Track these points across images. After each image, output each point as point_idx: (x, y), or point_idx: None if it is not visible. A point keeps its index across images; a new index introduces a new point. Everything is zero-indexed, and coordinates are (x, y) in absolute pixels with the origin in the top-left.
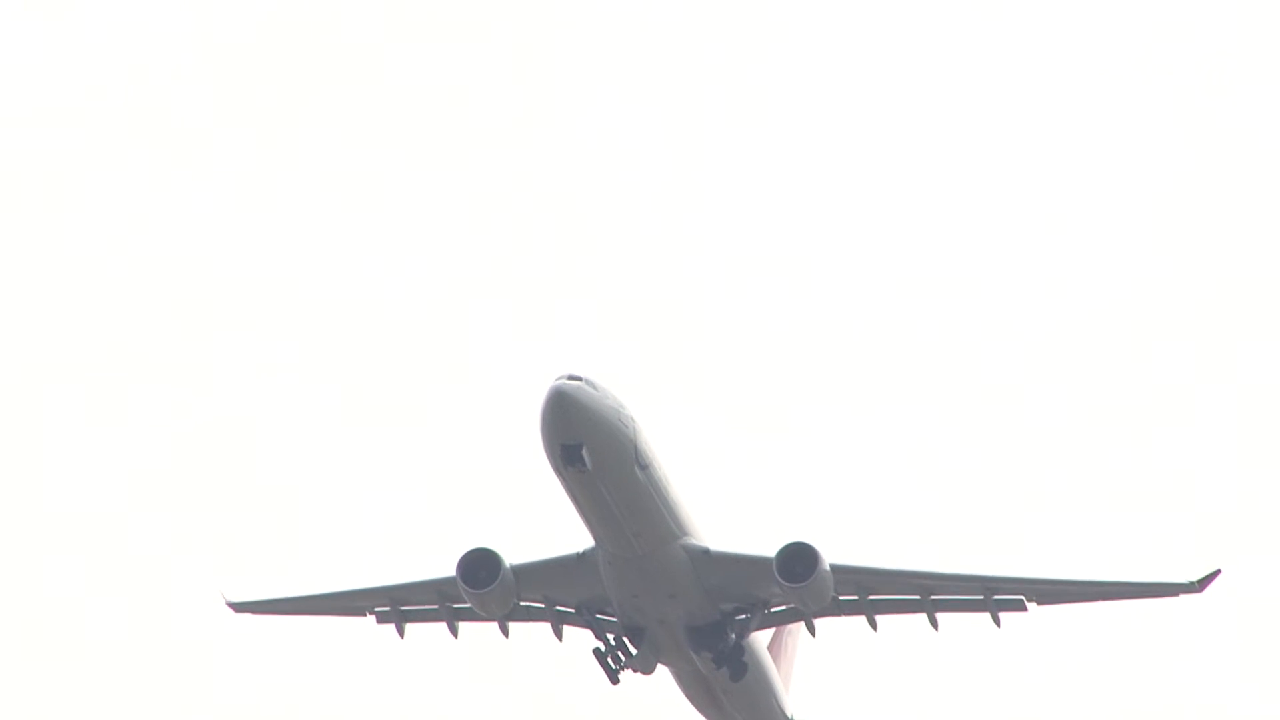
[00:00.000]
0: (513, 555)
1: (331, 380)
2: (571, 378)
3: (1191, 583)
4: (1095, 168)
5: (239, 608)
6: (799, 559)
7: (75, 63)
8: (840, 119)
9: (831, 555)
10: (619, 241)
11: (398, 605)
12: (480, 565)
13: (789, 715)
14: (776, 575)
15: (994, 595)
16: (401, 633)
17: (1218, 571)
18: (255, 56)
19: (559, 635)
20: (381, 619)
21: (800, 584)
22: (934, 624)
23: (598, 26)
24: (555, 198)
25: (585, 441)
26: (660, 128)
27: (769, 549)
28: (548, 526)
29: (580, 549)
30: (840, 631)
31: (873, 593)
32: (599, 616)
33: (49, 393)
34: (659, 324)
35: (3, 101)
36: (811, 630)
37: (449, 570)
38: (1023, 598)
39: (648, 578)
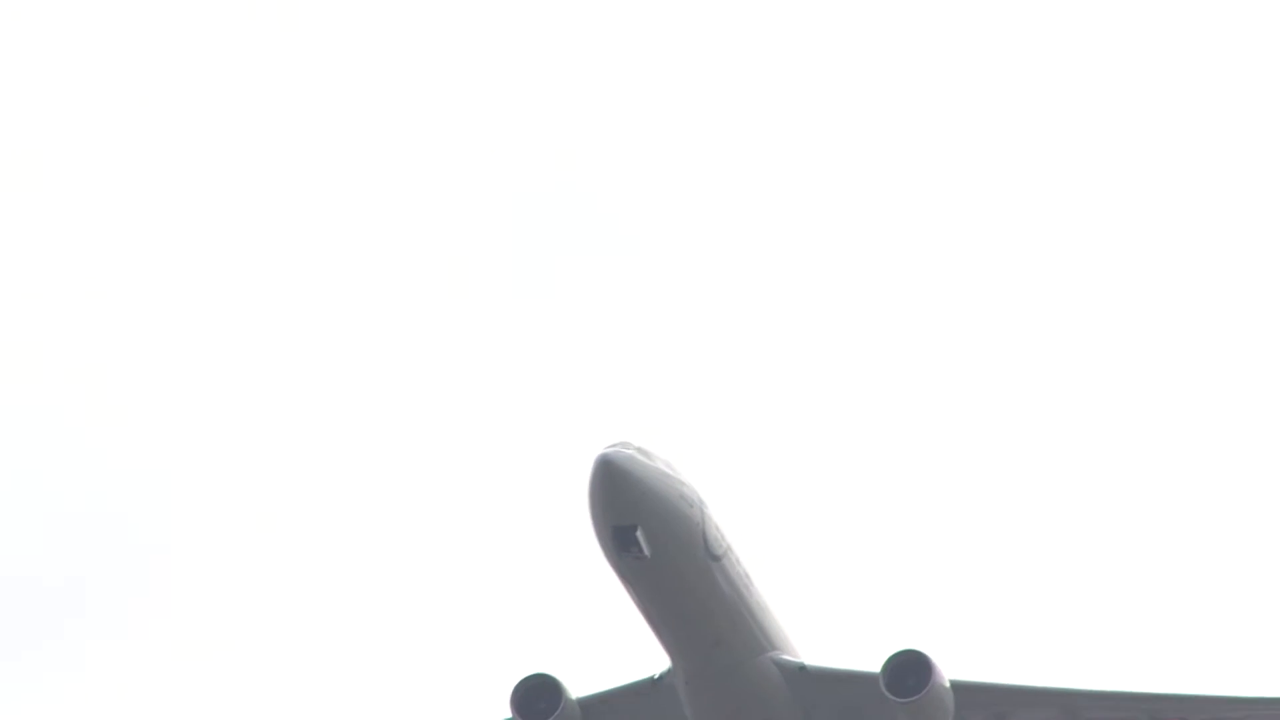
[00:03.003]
0: (575, 687)
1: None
2: (621, 445)
3: None
4: (1095, 167)
5: None
6: (910, 670)
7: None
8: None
9: (953, 669)
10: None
11: None
12: (538, 695)
13: None
14: (884, 689)
15: (1157, 718)
16: None
17: None
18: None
19: None
20: None
21: (912, 699)
22: None
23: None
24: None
25: (641, 522)
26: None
27: (877, 664)
28: (615, 648)
29: (655, 672)
30: None
31: (1008, 717)
32: None
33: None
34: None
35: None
36: None
37: (501, 710)
38: None
39: (736, 699)
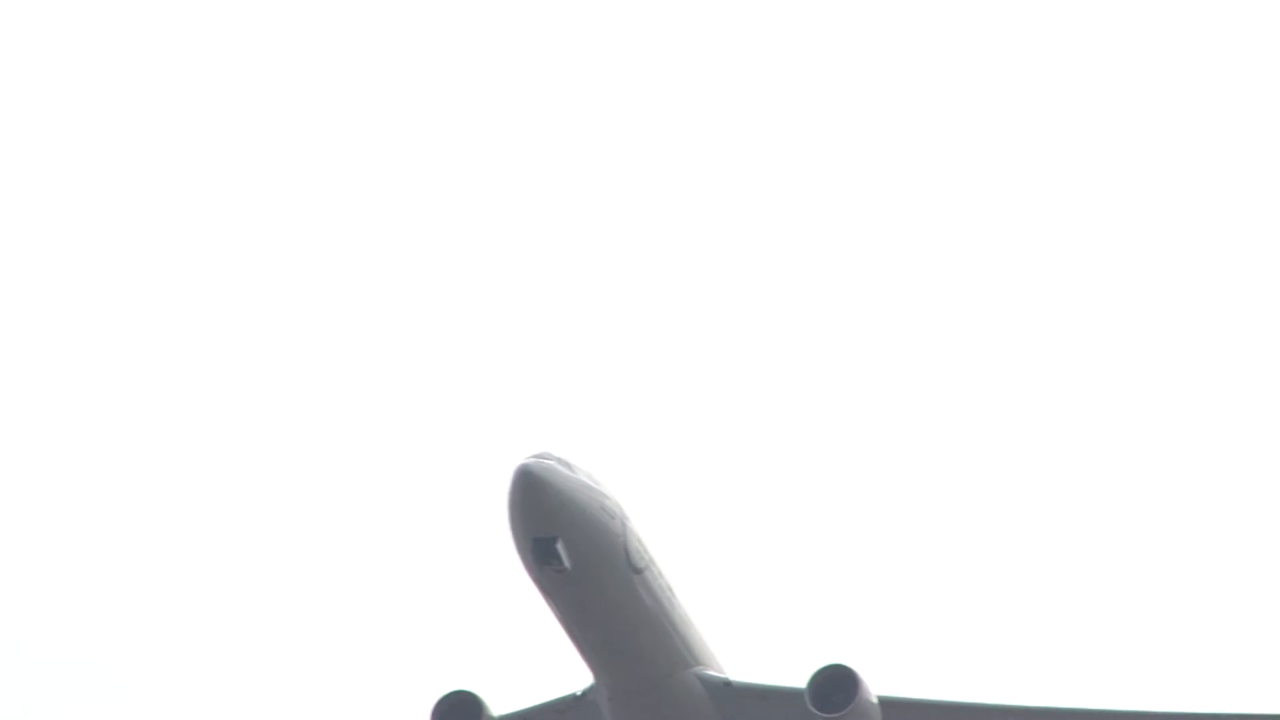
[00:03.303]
0: (497, 705)
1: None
2: (541, 455)
3: None
4: (1095, 168)
5: None
6: (837, 686)
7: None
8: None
9: (884, 686)
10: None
11: None
12: (459, 713)
13: None
14: (809, 705)
15: None
16: None
17: None
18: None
19: None
20: None
21: (837, 715)
22: None
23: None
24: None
25: (561, 534)
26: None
27: (804, 679)
28: (537, 664)
29: (578, 689)
30: None
31: None
32: None
33: None
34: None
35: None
36: None
37: None
38: None
39: (659, 715)
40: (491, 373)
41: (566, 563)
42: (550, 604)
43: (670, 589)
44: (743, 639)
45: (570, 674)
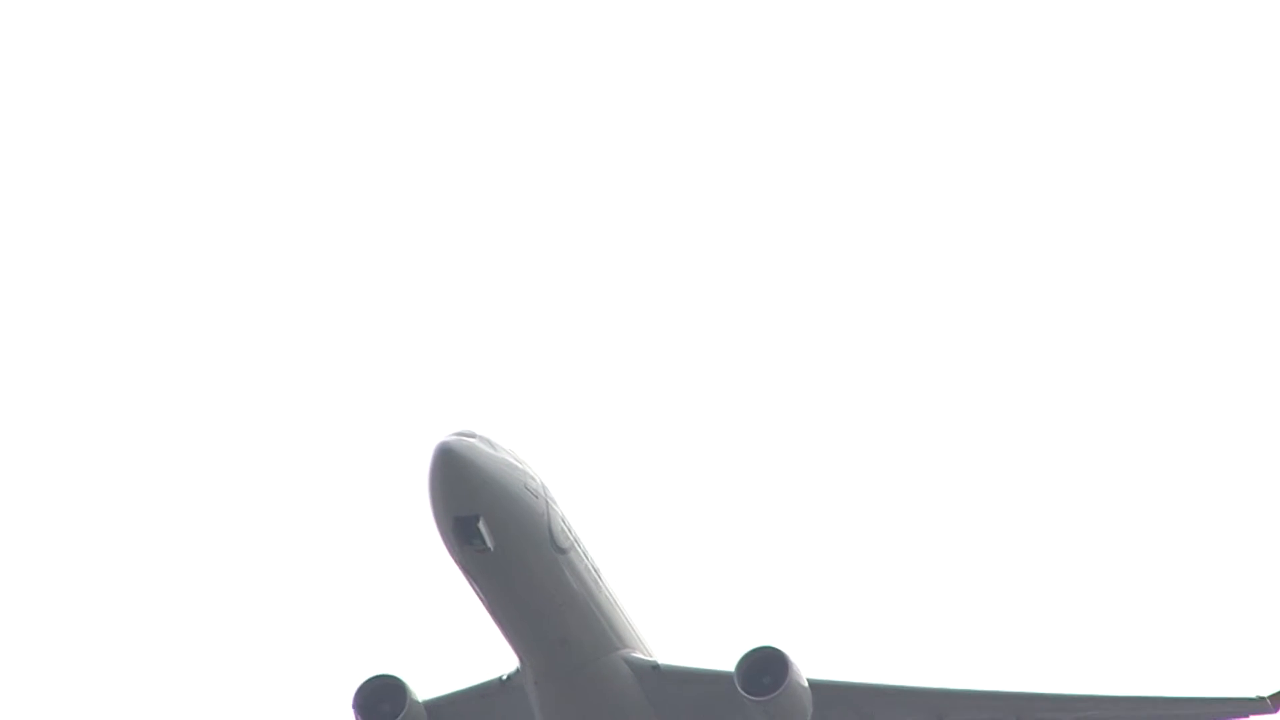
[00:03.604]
0: (421, 689)
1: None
2: (463, 434)
3: (1263, 698)
4: (1095, 168)
5: None
6: (766, 668)
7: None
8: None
9: (813, 669)
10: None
11: None
12: (381, 697)
13: None
14: (739, 688)
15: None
16: None
17: None
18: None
19: None
20: None
21: (767, 697)
22: None
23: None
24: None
25: (483, 512)
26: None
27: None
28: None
29: (503, 673)
30: None
31: (872, 718)
32: None
33: None
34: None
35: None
36: None
37: (344, 714)
38: None
39: (586, 699)
40: (423, 354)
41: (489, 542)
42: (473, 585)
43: (597, 570)
44: (670, 623)
45: (495, 658)
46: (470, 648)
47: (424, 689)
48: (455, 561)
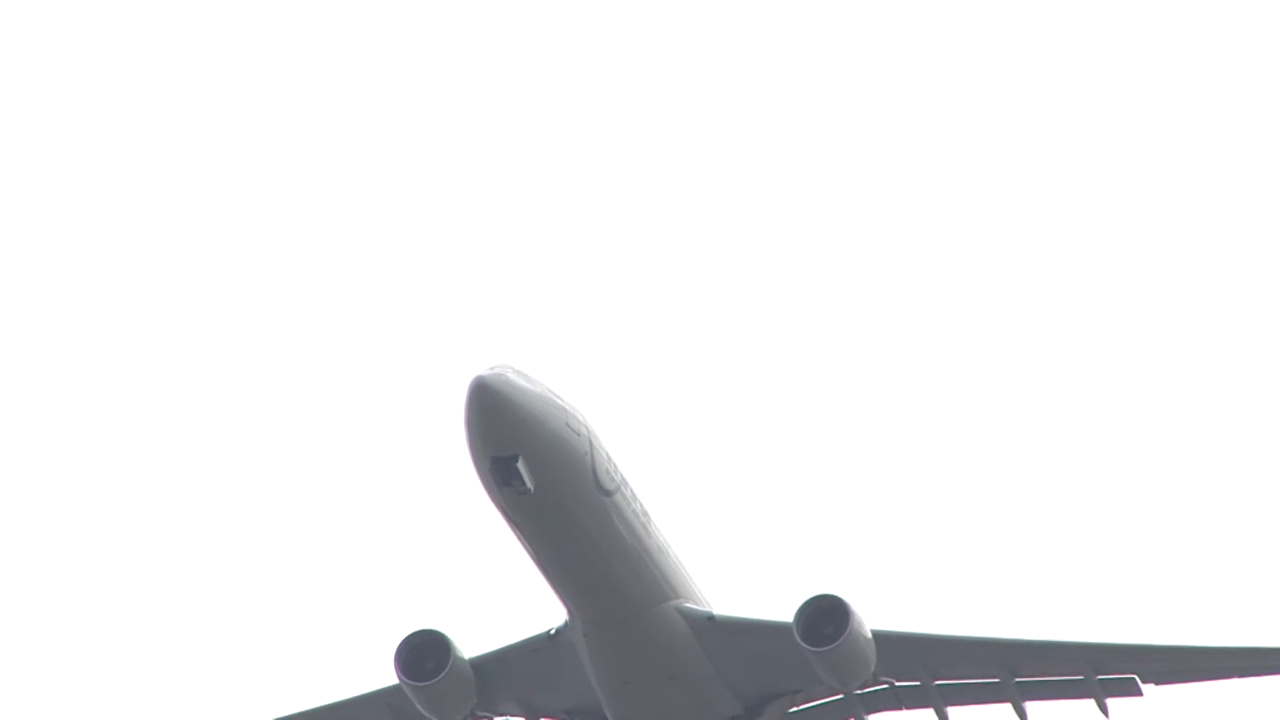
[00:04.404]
0: (467, 648)
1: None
2: (498, 368)
3: None
4: (1096, 166)
5: None
6: (827, 618)
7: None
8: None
9: (875, 620)
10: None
11: None
12: (425, 654)
13: None
14: (798, 638)
15: (1099, 674)
16: None
17: None
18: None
19: None
20: None
21: (828, 648)
22: (1021, 716)
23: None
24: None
25: (522, 451)
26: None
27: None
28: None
29: (551, 628)
30: None
31: (939, 674)
32: None
33: None
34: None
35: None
36: None
37: (385, 671)
38: (1135, 677)
39: (637, 653)
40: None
41: (529, 483)
42: (516, 532)
43: (645, 515)
44: (723, 573)
45: (544, 613)
46: (518, 603)
47: (470, 646)
48: (496, 505)
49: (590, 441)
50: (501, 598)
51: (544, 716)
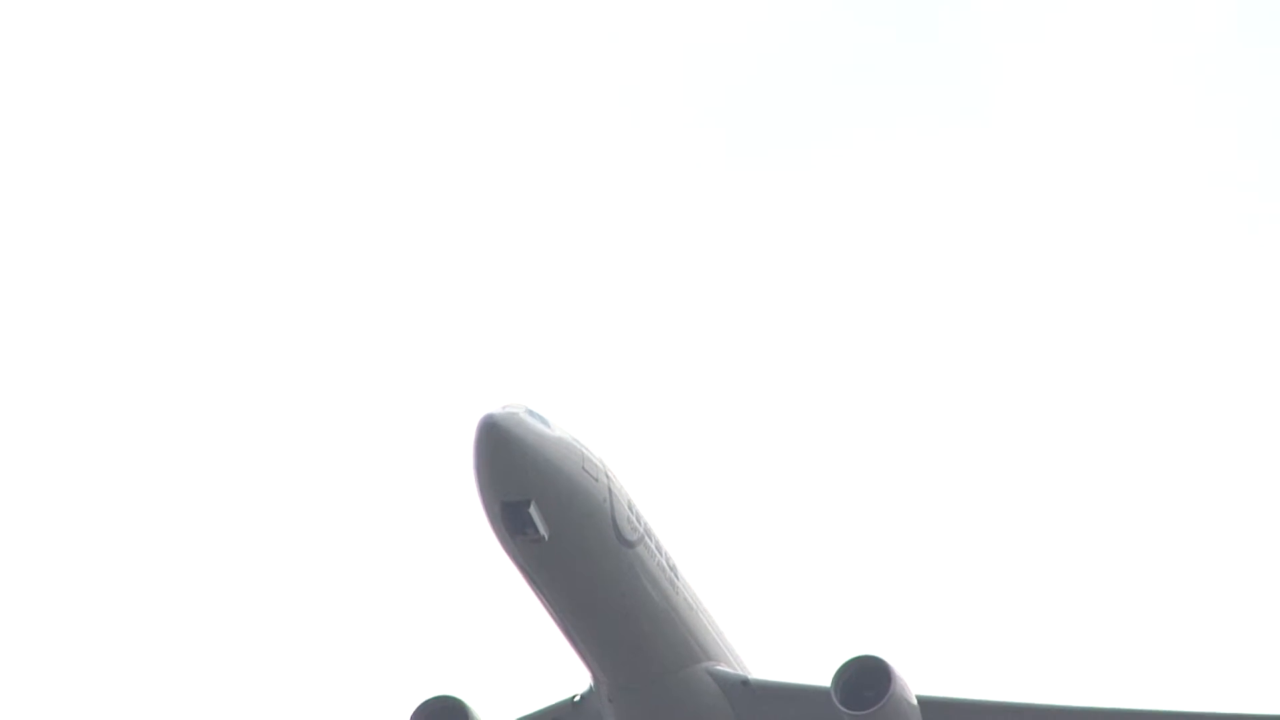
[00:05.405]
0: (488, 715)
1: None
2: (509, 407)
3: None
4: (1095, 165)
5: None
6: (867, 680)
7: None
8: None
9: (920, 685)
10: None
11: None
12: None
13: None
14: (836, 701)
15: None
16: None
17: None
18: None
19: None
20: None
21: (868, 711)
22: None
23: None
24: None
25: (535, 496)
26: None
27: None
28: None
29: (575, 694)
30: None
31: None
32: None
33: None
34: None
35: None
36: None
37: None
38: None
39: (667, 718)
40: (475, 356)
41: (543, 530)
42: (532, 586)
43: (673, 568)
44: (754, 633)
45: (567, 679)
46: (540, 669)
47: (490, 714)
48: (509, 557)
49: (610, 488)
50: (523, 663)
51: None
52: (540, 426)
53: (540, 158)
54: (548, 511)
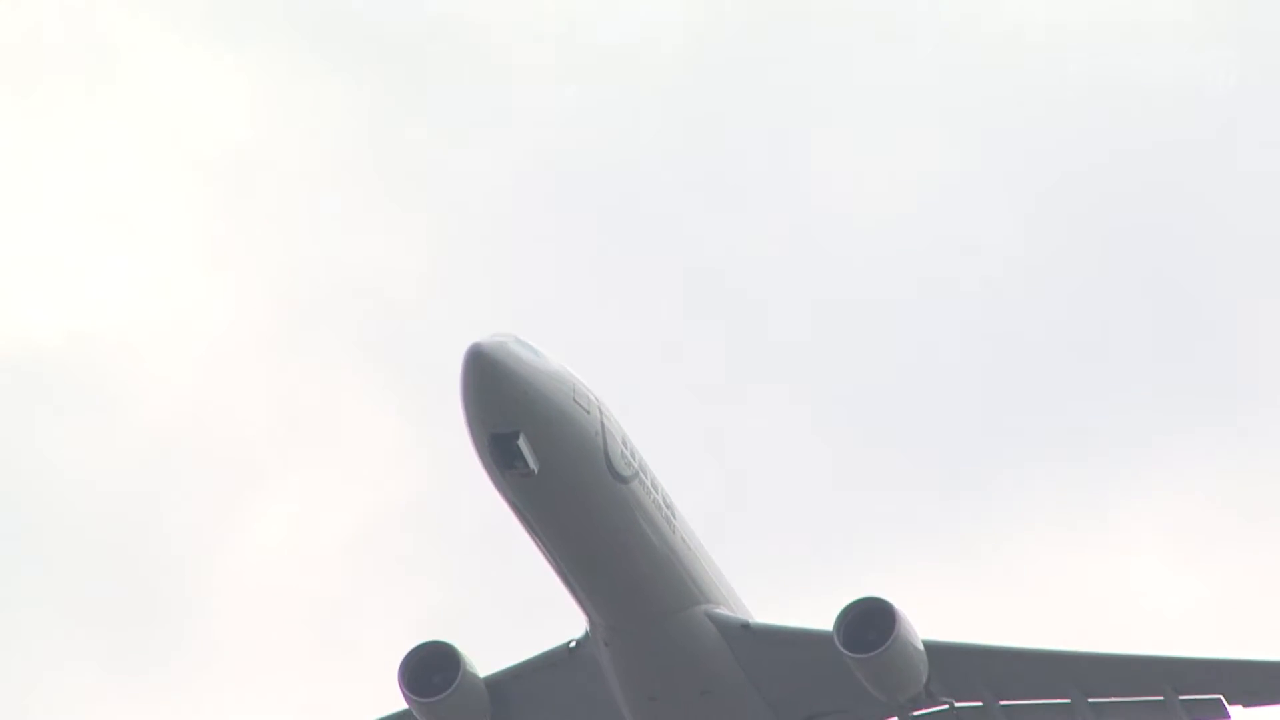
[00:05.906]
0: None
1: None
2: (499, 335)
3: None
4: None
5: None
6: (871, 623)
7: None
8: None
9: (929, 631)
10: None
11: None
12: (433, 668)
13: None
14: (838, 643)
15: (1181, 695)
16: None
17: None
18: None
19: None
20: None
21: (872, 654)
22: None
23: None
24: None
25: (523, 427)
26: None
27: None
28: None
29: (571, 640)
30: None
31: (1004, 694)
32: None
33: None
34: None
35: None
36: None
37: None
38: (1221, 698)
39: (665, 663)
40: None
41: (532, 463)
42: (526, 527)
43: (669, 506)
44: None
45: (563, 626)
46: (535, 618)
47: (483, 665)
48: (500, 493)
49: (603, 421)
50: (517, 611)
51: None
52: (530, 356)
53: None
54: (537, 444)
